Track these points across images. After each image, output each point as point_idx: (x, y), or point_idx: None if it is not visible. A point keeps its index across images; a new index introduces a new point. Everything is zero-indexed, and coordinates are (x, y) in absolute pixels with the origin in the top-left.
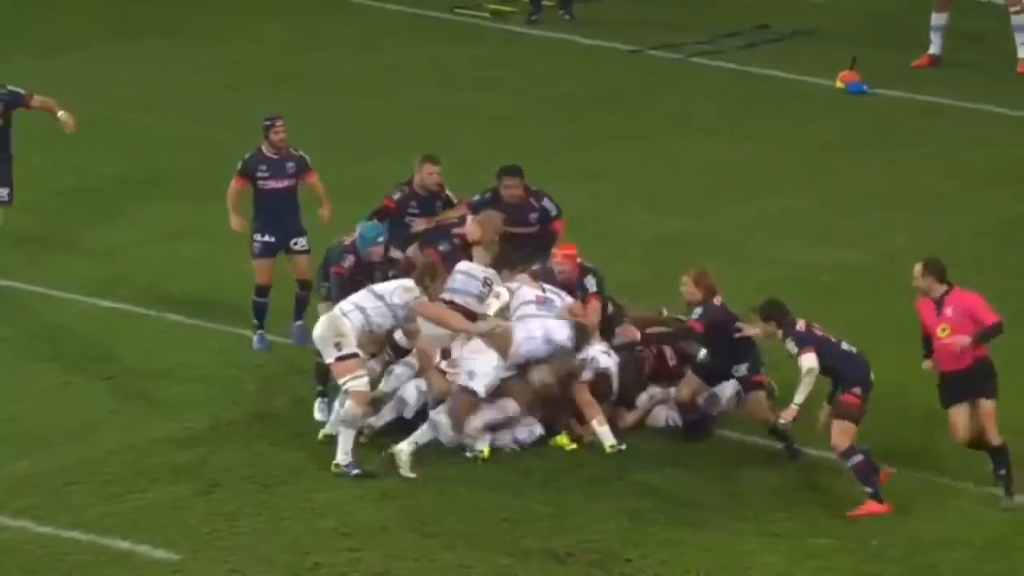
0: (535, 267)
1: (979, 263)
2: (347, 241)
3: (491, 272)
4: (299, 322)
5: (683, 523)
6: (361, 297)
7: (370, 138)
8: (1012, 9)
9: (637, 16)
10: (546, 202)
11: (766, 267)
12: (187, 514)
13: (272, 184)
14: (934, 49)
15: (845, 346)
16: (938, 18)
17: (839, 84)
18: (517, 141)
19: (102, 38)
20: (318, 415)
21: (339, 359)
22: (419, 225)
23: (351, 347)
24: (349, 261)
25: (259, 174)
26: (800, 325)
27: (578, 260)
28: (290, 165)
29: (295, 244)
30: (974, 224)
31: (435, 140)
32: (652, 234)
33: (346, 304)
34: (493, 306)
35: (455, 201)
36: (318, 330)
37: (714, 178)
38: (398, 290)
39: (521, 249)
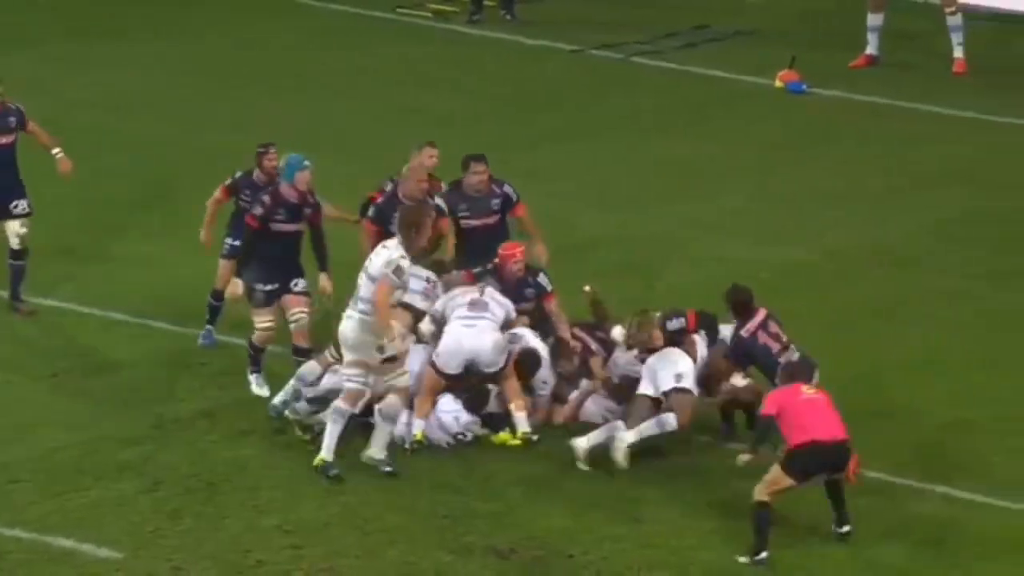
0: (477, 269)
1: (919, 263)
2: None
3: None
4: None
5: (625, 519)
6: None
7: (312, 138)
8: (947, 10)
9: (578, 16)
10: (507, 188)
11: (709, 266)
12: (130, 512)
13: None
14: (871, 49)
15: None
16: (874, 18)
17: (778, 83)
18: (460, 141)
19: (55, 37)
20: (258, 390)
21: (384, 361)
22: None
23: (394, 348)
24: (264, 205)
25: (243, 197)
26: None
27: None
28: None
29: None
30: (913, 224)
31: (378, 140)
32: (595, 234)
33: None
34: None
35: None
36: (351, 332)
37: (657, 178)
38: (377, 260)
39: (482, 240)
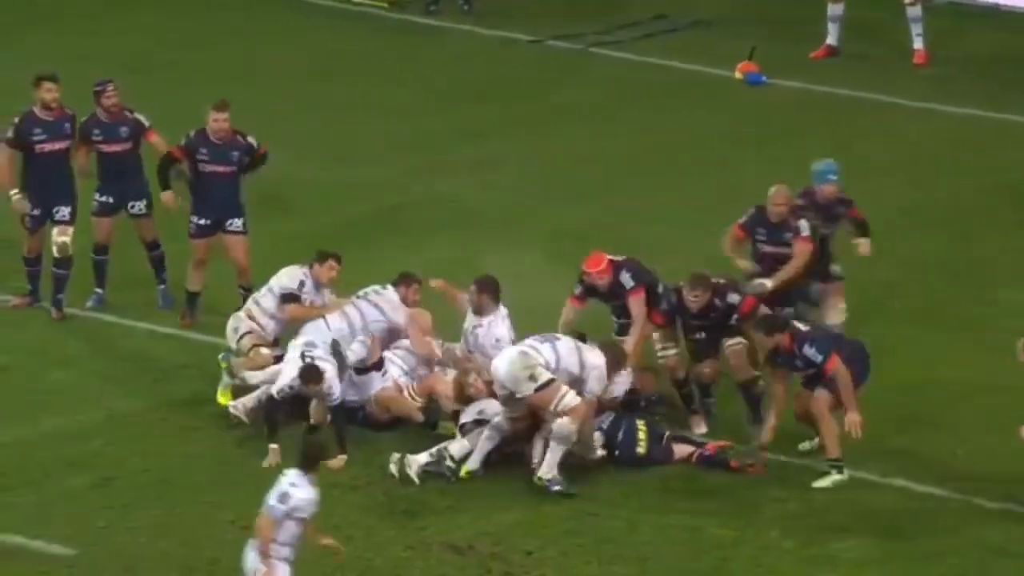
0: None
1: (877, 253)
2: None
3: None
4: (162, 286)
5: (583, 514)
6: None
7: (263, 130)
8: (907, 1)
9: (536, 6)
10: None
11: (664, 257)
12: (81, 508)
13: (107, 148)
14: (831, 40)
15: None
16: (834, 8)
17: (738, 75)
18: (415, 131)
19: None
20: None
21: (538, 389)
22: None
23: (546, 375)
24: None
25: (93, 138)
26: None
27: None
28: (124, 129)
29: (132, 207)
30: (873, 213)
31: (331, 131)
32: (550, 225)
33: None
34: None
35: (256, 145)
36: (505, 366)
37: (613, 168)
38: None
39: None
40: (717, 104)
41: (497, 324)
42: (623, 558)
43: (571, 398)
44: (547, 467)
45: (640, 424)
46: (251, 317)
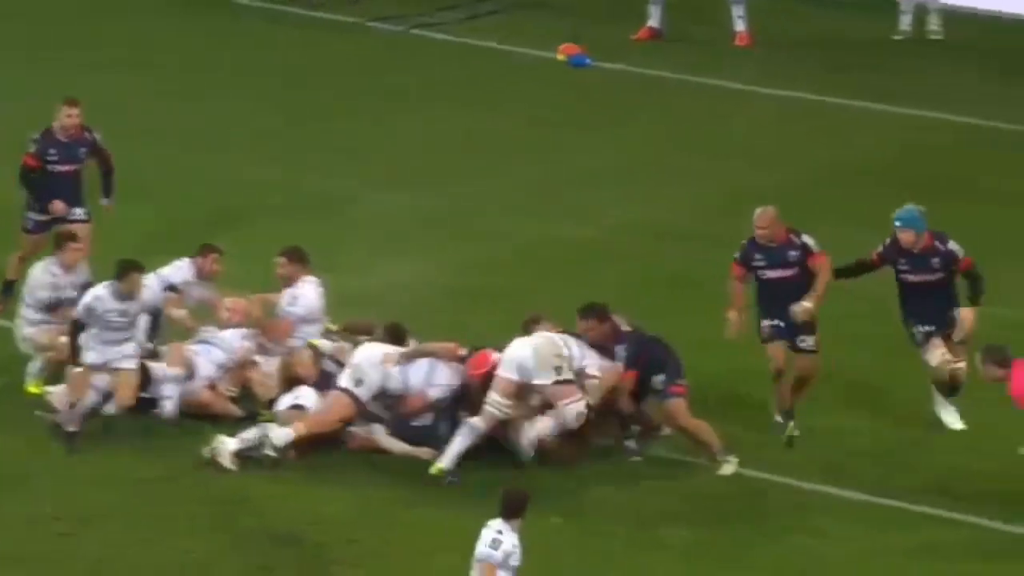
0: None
1: (702, 238)
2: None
3: None
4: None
5: (409, 504)
6: None
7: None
8: None
9: None
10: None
11: (488, 243)
12: None
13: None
14: (653, 22)
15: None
16: None
17: (561, 56)
18: (237, 119)
19: None
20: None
21: (557, 383)
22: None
23: (568, 372)
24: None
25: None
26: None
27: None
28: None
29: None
30: (697, 199)
31: (150, 118)
32: (376, 212)
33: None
34: None
35: (104, 148)
36: (530, 349)
37: (437, 153)
38: None
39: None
40: (540, 87)
41: (304, 287)
42: (447, 547)
43: (581, 407)
44: (449, 460)
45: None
46: None
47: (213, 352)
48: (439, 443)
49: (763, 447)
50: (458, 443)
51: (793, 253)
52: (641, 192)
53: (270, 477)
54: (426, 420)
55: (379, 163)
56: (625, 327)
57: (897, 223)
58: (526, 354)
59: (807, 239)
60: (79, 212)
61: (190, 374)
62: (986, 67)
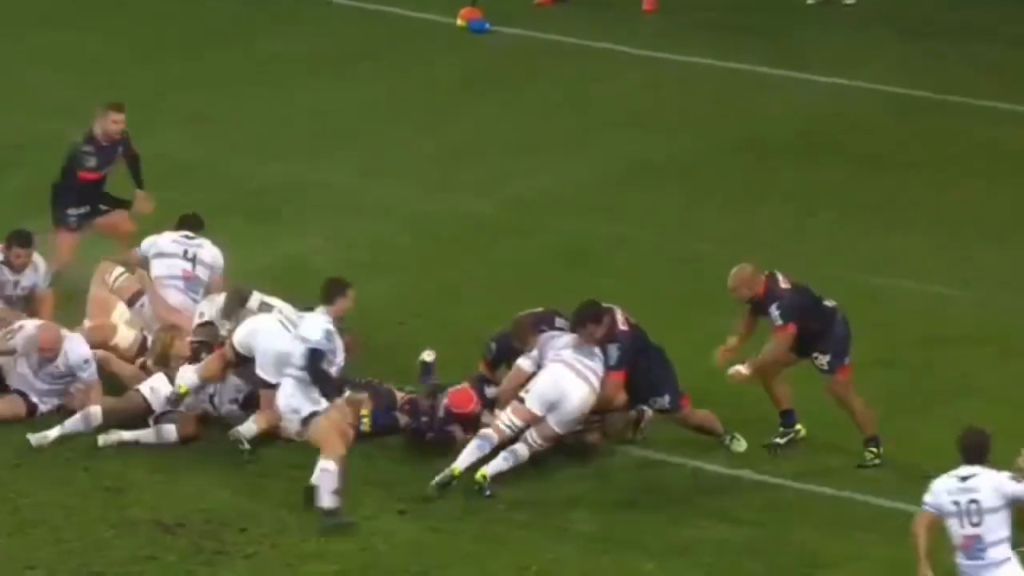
0: None
1: (605, 209)
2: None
3: None
4: None
5: (300, 490)
6: None
7: None
8: None
9: None
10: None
11: (381, 216)
12: None
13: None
14: None
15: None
16: None
17: (460, 22)
18: (117, 83)
19: None
20: None
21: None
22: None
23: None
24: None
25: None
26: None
27: None
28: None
29: None
30: (596, 169)
31: (32, 84)
32: (262, 183)
33: None
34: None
35: (136, 151)
36: (565, 398)
37: (327, 122)
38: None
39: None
40: (438, 53)
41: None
42: (342, 534)
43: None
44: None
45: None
46: None
47: None
48: None
49: (666, 427)
50: (474, 451)
51: (773, 314)
52: (539, 162)
53: (157, 464)
54: None
55: (263, 131)
56: (622, 326)
57: None
58: (558, 399)
59: (774, 311)
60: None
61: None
62: (899, 32)
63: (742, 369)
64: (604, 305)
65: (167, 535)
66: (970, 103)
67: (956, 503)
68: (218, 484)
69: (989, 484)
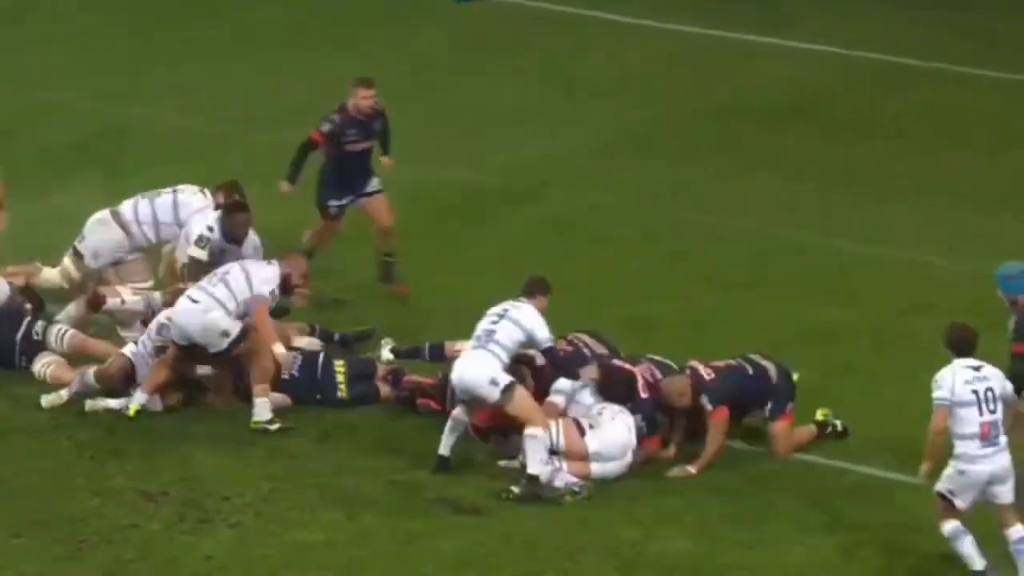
0: None
1: (594, 177)
2: None
3: None
4: None
5: (284, 459)
6: None
7: None
8: None
9: None
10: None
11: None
12: None
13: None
14: None
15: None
16: None
17: None
18: (100, 55)
19: None
20: None
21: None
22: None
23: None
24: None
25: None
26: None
27: None
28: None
29: None
30: (590, 137)
31: (12, 58)
32: (246, 153)
33: None
34: None
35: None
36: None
37: (314, 94)
38: None
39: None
40: (423, 24)
41: None
42: (326, 503)
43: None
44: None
45: (339, 365)
46: None
47: None
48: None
49: None
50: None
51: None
52: (528, 132)
53: (141, 432)
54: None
55: (248, 104)
56: (643, 393)
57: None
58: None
59: (704, 399)
60: (375, 183)
61: None
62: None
63: (690, 468)
64: (628, 369)
65: (150, 503)
66: (957, 70)
67: (975, 392)
68: (202, 453)
69: (996, 373)
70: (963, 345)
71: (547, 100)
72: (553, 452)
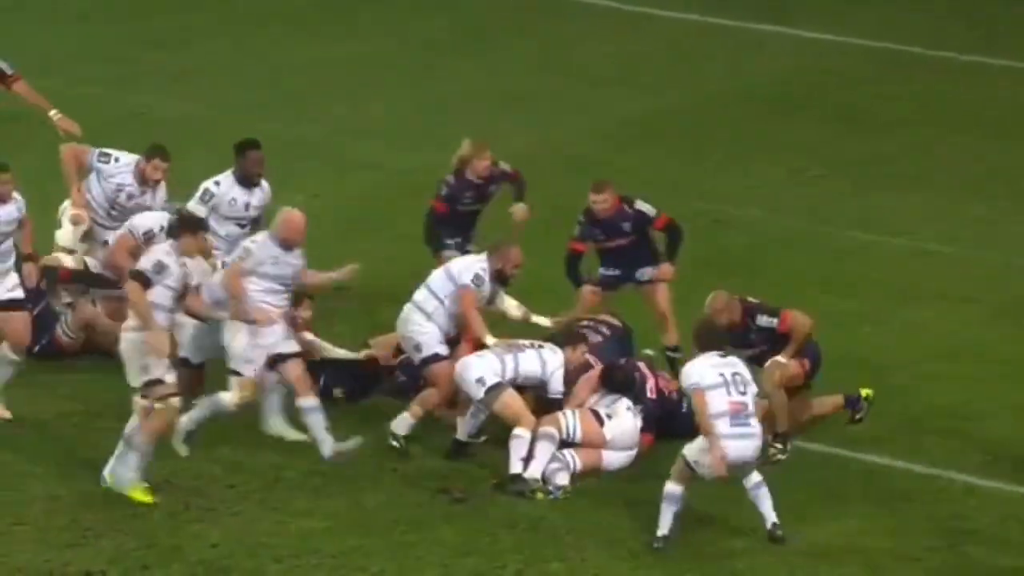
0: None
1: (592, 165)
2: None
3: None
4: None
5: (287, 448)
6: None
7: None
8: None
9: None
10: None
11: (368, 173)
12: None
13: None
14: None
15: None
16: None
17: None
18: (97, 40)
19: None
20: None
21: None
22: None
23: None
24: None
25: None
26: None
27: None
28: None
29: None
30: (588, 125)
31: (9, 40)
32: (236, 137)
33: None
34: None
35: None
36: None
37: (314, 79)
38: None
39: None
40: (422, 10)
41: None
42: (330, 490)
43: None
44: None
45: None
46: None
47: None
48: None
49: None
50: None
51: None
52: (526, 120)
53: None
54: None
55: (249, 89)
56: (651, 394)
57: None
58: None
59: (764, 319)
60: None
61: None
62: None
63: (780, 359)
64: (633, 364)
65: (155, 492)
66: (958, 58)
67: (722, 375)
68: (207, 441)
69: (739, 360)
70: (706, 340)
71: (545, 87)
72: (565, 444)
